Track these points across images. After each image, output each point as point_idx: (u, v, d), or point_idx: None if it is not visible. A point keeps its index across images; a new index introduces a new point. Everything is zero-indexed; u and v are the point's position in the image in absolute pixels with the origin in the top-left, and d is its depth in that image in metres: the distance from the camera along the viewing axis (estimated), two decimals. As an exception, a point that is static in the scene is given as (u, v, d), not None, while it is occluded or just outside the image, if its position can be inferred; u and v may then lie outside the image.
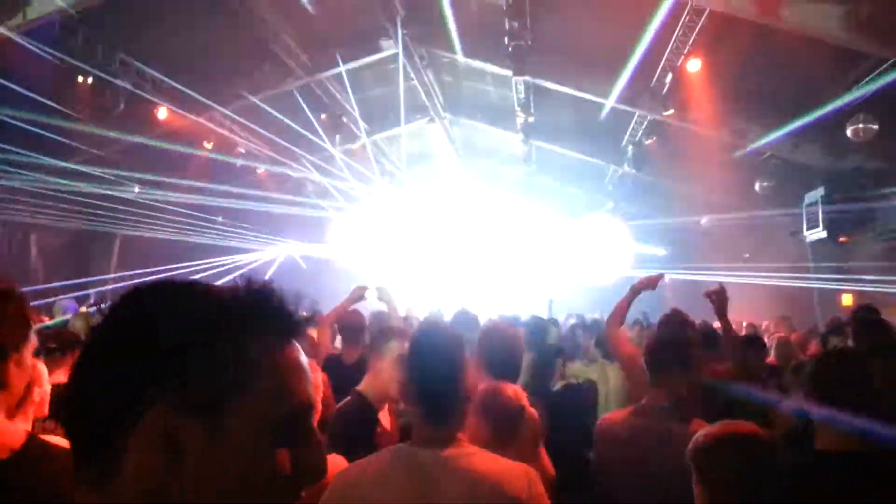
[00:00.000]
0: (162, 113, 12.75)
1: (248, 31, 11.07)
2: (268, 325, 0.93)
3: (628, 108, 12.40)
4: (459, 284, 18.44)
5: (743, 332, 8.81)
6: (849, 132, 10.00)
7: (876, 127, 9.79)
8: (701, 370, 3.65)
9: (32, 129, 9.93)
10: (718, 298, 4.66)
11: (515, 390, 3.00)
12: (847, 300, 15.10)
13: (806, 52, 9.16)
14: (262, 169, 17.38)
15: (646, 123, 12.95)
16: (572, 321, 10.46)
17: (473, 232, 19.54)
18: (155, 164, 13.78)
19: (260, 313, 0.93)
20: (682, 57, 10.02)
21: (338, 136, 15.91)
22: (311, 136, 15.05)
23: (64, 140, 11.18)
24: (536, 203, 19.58)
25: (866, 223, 12.52)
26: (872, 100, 9.55)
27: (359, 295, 5.83)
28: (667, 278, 18.16)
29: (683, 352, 3.43)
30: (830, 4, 8.26)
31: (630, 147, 13.91)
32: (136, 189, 14.60)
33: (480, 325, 4.52)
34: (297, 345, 0.97)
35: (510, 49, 10.22)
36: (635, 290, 4.76)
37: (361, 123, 16.13)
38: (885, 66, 8.96)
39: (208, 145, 15.15)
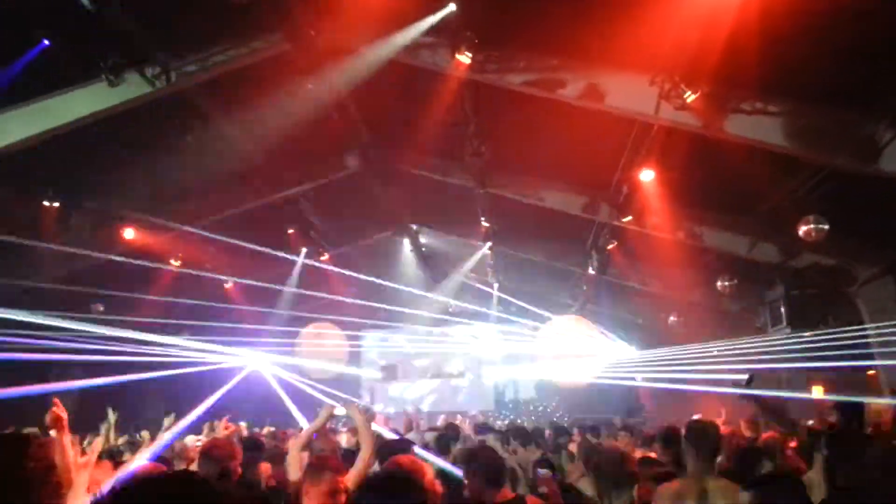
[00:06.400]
0: (129, 233, 12.89)
1: (216, 151, 11.36)
2: None
3: (589, 217, 12.78)
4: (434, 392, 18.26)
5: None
6: (801, 232, 10.27)
7: (827, 227, 10.05)
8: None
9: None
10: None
11: None
12: (817, 391, 15.26)
13: (751, 159, 9.60)
14: (230, 283, 17.41)
15: (606, 229, 13.31)
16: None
17: (447, 340, 19.53)
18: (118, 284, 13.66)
19: None
20: (636, 168, 10.44)
21: (305, 249, 16.12)
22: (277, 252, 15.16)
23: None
24: (506, 308, 19.70)
25: (827, 318, 12.79)
26: (821, 201, 9.95)
27: (327, 415, 5.76)
28: (639, 378, 18.28)
29: None
30: (769, 117, 8.75)
31: (593, 251, 14.23)
32: (101, 308, 14.47)
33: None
34: None
35: (472, 165, 10.59)
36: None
37: (328, 236, 16.37)
38: (826, 171, 9.43)
39: (176, 262, 15.20)
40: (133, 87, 9.20)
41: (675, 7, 7.06)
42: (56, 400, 3.52)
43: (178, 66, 9.37)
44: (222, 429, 8.15)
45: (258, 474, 5.68)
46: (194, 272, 15.17)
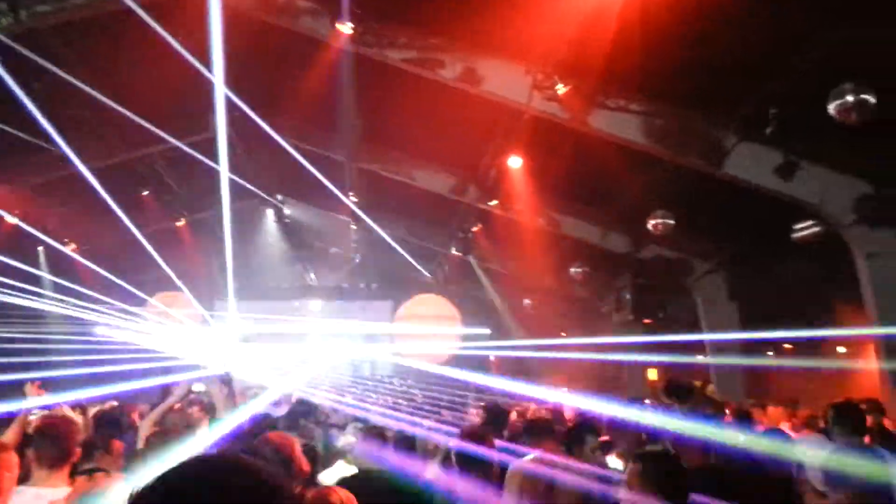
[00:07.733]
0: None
1: (71, 103, 10.50)
2: None
3: (456, 198, 13.02)
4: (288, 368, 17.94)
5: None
6: (649, 225, 10.98)
7: (673, 222, 10.82)
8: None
9: None
10: None
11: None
12: (652, 374, 16.61)
13: (611, 154, 10.13)
14: (73, 245, 16.19)
15: (472, 212, 13.63)
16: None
17: (302, 314, 19.25)
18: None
19: None
20: (505, 154, 10.75)
21: (160, 214, 15.31)
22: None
23: None
24: (367, 284, 19.73)
25: (665, 307, 13.86)
26: (670, 198, 10.69)
27: (183, 393, 5.58)
28: (492, 356, 18.93)
29: None
30: (631, 115, 9.30)
31: (458, 233, 14.54)
32: None
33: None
34: None
35: (345, 138, 10.48)
36: None
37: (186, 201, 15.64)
38: (677, 170, 10.15)
39: (12, 218, 13.94)
40: (-26, 23, 8.31)
41: (556, 2, 7.32)
42: None
43: (29, 5, 8.56)
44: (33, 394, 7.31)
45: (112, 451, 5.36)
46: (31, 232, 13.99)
